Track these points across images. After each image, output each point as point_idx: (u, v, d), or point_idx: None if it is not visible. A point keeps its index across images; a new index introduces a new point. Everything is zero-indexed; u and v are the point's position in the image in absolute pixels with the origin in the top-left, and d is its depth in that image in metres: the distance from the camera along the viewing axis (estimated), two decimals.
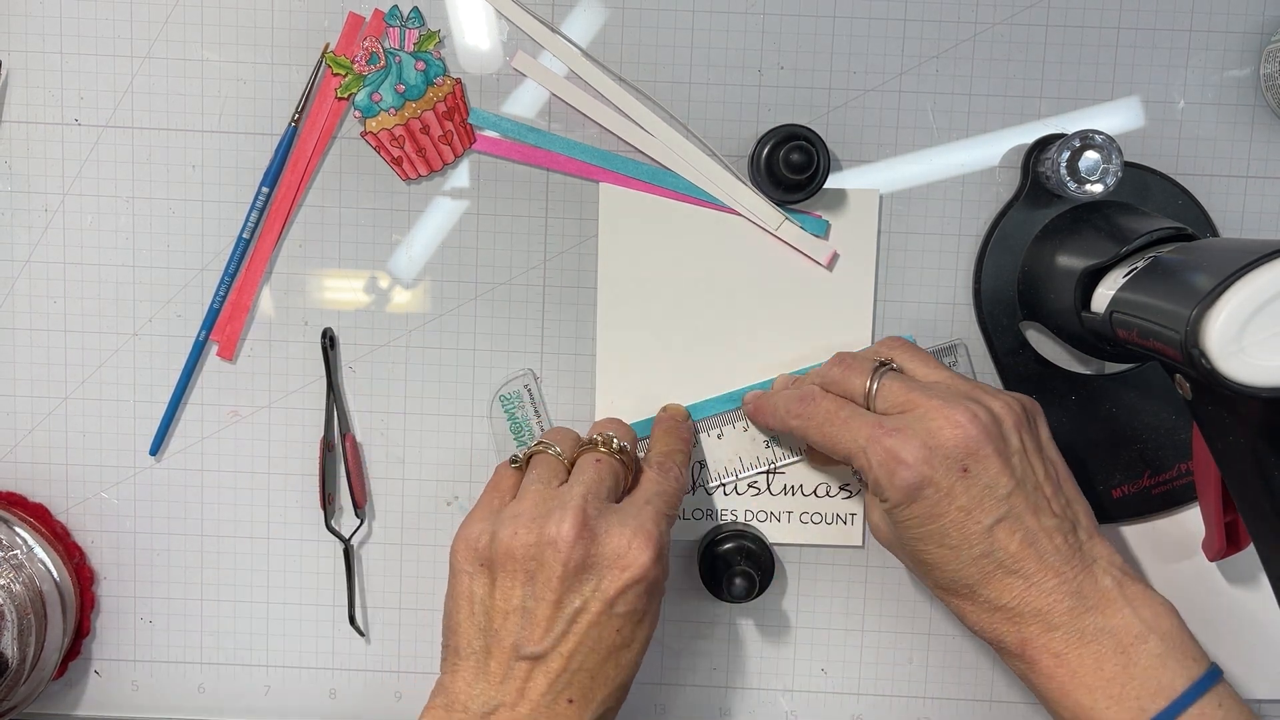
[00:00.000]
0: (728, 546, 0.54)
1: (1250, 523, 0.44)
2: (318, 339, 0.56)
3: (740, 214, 0.54)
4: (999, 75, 0.54)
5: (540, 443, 0.50)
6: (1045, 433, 0.48)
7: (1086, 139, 0.50)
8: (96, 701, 0.59)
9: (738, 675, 0.58)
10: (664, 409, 0.56)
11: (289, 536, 0.57)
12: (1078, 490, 0.48)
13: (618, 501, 0.48)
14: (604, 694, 0.45)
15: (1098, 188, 0.50)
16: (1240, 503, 0.44)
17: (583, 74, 0.54)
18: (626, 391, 0.56)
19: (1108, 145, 0.50)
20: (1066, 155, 0.50)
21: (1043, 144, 0.53)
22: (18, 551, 0.54)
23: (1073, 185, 0.50)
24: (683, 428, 0.54)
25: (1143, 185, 0.53)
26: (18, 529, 0.54)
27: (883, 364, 0.49)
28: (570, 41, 0.54)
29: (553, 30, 0.54)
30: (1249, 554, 0.49)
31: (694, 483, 0.57)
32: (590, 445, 0.49)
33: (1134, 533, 0.57)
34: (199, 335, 0.56)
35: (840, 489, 0.57)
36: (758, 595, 0.53)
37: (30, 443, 0.57)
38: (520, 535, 0.45)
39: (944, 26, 0.54)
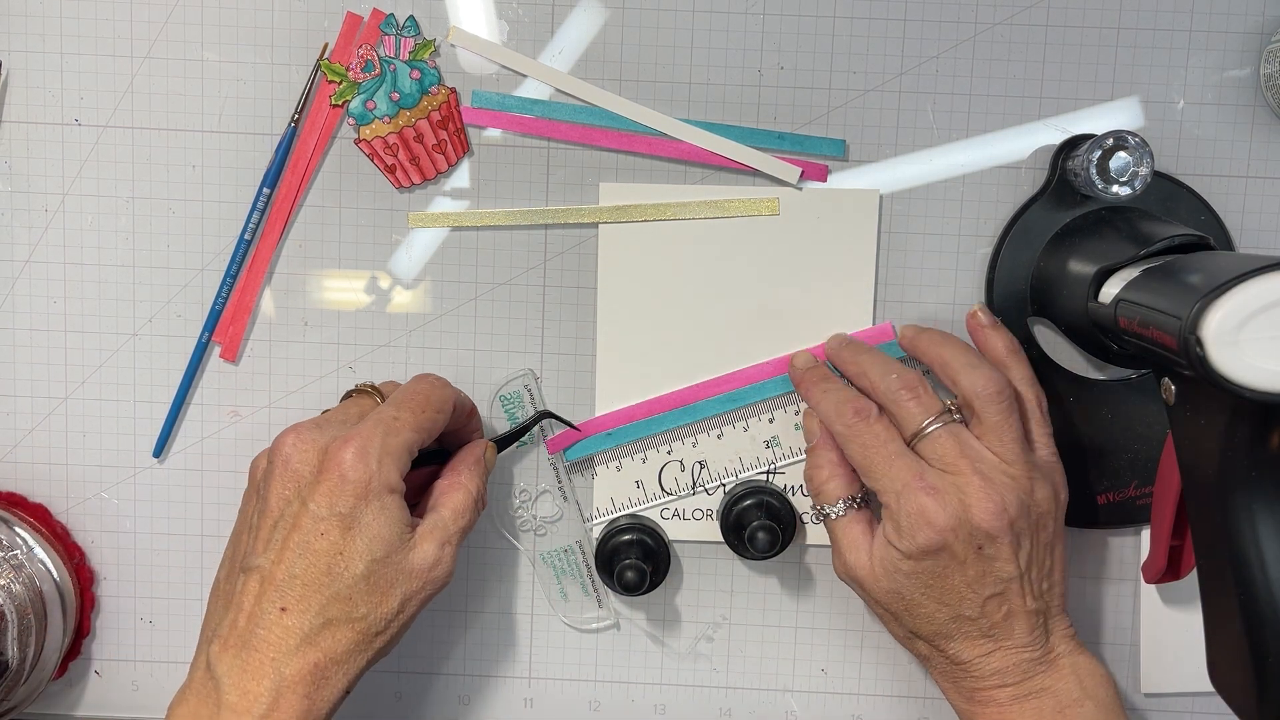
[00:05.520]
0: (747, 503, 0.54)
1: (1199, 541, 0.44)
2: (318, 339, 0.56)
3: (748, 168, 0.54)
4: (999, 75, 0.54)
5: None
6: (1061, 522, 0.50)
7: (1119, 139, 0.50)
8: (96, 701, 0.59)
9: (738, 675, 0.58)
10: None
11: None
12: (1065, 573, 0.51)
13: None
14: (320, 603, 0.44)
15: (1125, 190, 0.50)
16: (1194, 520, 0.44)
17: (575, 91, 0.54)
18: (626, 392, 0.56)
19: (1140, 148, 0.50)
20: (1098, 154, 0.50)
21: (1074, 142, 0.53)
22: (18, 551, 0.54)
23: (1101, 185, 0.50)
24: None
25: (1170, 196, 0.53)
26: (18, 529, 0.54)
27: (949, 411, 0.49)
28: (559, 72, 0.54)
29: (542, 64, 0.54)
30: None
31: (694, 483, 0.57)
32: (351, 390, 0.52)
33: (1110, 543, 0.57)
34: (201, 336, 0.56)
35: None
36: (782, 550, 0.53)
37: (30, 443, 0.57)
38: (260, 463, 0.49)
39: (944, 26, 0.54)
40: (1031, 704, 0.49)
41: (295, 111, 0.54)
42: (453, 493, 0.49)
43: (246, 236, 0.55)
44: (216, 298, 0.55)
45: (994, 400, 0.48)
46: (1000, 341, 0.52)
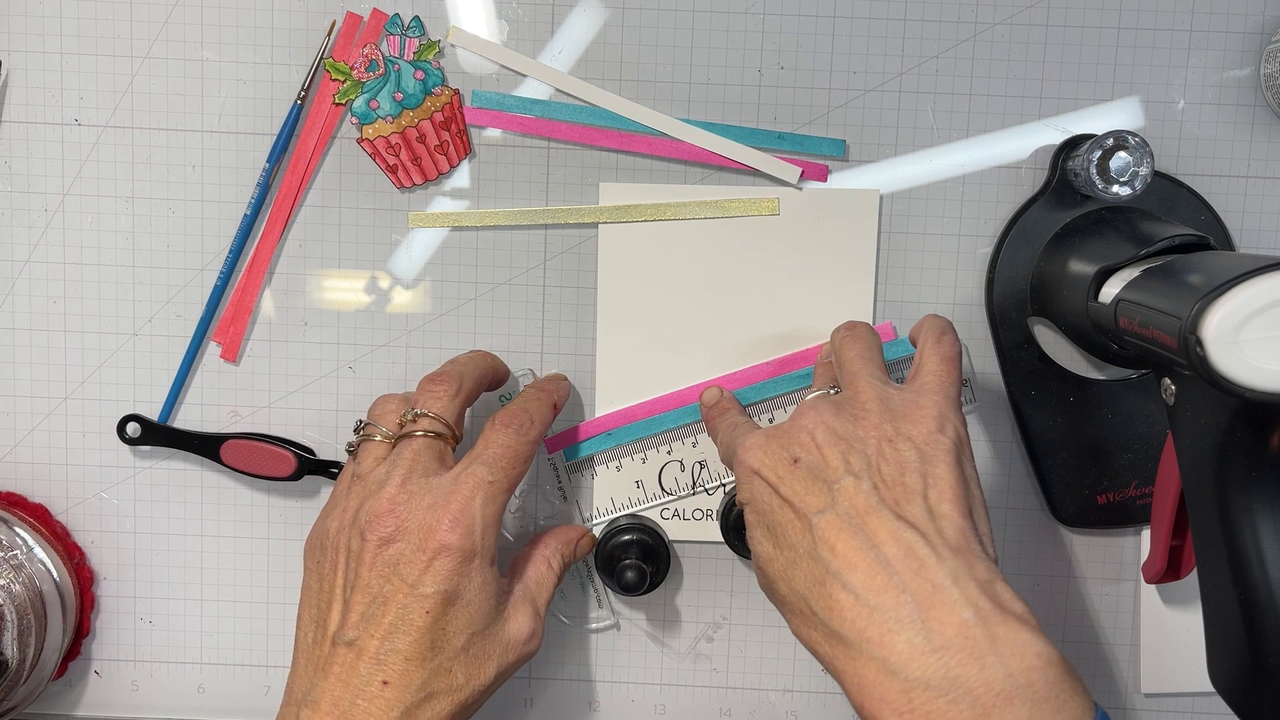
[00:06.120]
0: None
1: (1199, 542, 0.44)
2: (318, 339, 0.56)
3: (749, 168, 0.54)
4: (999, 75, 0.54)
5: (367, 424, 0.50)
6: (943, 453, 0.42)
7: (1120, 140, 0.50)
8: (96, 701, 0.59)
9: (738, 675, 0.58)
10: (549, 375, 0.56)
11: (289, 537, 0.57)
12: (964, 513, 0.41)
13: (448, 470, 0.48)
14: (423, 677, 0.44)
15: (1125, 190, 0.50)
16: (1194, 520, 0.44)
17: (575, 91, 0.54)
18: (626, 392, 0.56)
19: (1140, 148, 0.50)
20: (1098, 155, 0.50)
21: (1074, 142, 0.53)
22: (18, 551, 0.54)
23: (1101, 185, 0.50)
24: (551, 389, 0.53)
25: (1170, 196, 0.53)
26: (18, 529, 0.54)
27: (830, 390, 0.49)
28: (559, 72, 0.54)
29: (542, 63, 0.54)
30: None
31: (694, 483, 0.57)
32: (410, 421, 0.48)
33: (1113, 544, 0.57)
34: (200, 336, 0.56)
35: None
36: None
37: (30, 443, 0.57)
38: (342, 527, 0.46)
39: (944, 26, 0.54)
40: (942, 711, 0.36)
41: (301, 89, 0.53)
42: (538, 565, 0.51)
43: (248, 212, 0.54)
44: (211, 295, 0.55)
45: (835, 341, 0.50)
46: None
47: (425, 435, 0.48)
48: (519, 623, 0.48)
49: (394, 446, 0.48)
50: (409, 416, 0.48)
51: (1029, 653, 0.37)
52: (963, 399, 0.56)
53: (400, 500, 0.46)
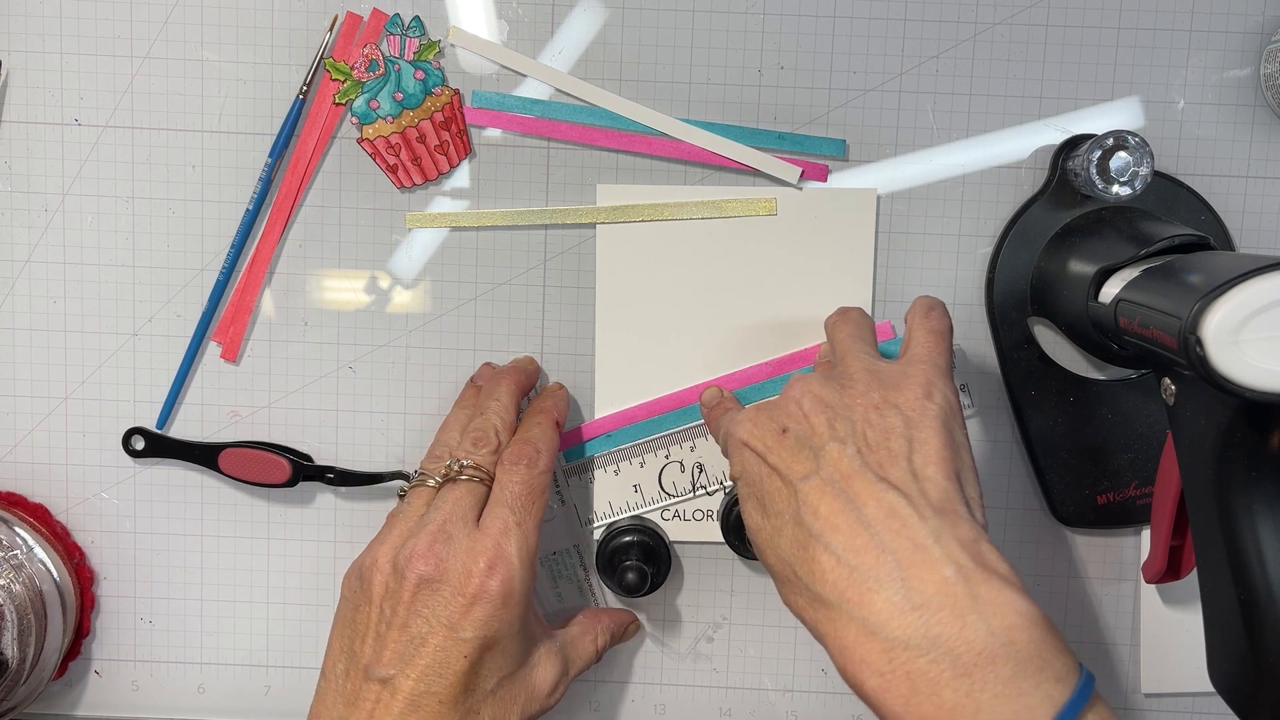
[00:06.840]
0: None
1: (1199, 541, 0.44)
2: (318, 339, 0.56)
3: (749, 168, 0.54)
4: (999, 75, 0.54)
5: (421, 473, 0.50)
6: (930, 418, 0.42)
7: (1120, 140, 0.50)
8: (96, 701, 0.59)
9: (738, 675, 0.58)
10: (546, 389, 0.55)
11: (289, 537, 0.57)
12: (949, 475, 0.40)
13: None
14: (456, 718, 0.45)
15: (1125, 190, 0.50)
16: (1194, 520, 0.44)
17: (575, 91, 0.54)
18: (626, 393, 0.56)
19: (1140, 148, 0.50)
20: (1098, 154, 0.50)
21: (1074, 142, 0.53)
22: (18, 551, 0.54)
23: (1101, 185, 0.50)
24: (549, 408, 0.53)
25: (1170, 196, 0.53)
26: (18, 529, 0.54)
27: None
28: (558, 72, 0.54)
29: (542, 63, 0.54)
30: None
31: (693, 485, 0.57)
32: (455, 471, 0.49)
33: (1114, 544, 0.57)
34: (199, 336, 0.56)
35: None
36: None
37: (30, 443, 0.57)
38: (379, 562, 0.47)
39: (944, 26, 0.54)
40: (923, 670, 0.36)
41: (303, 86, 0.53)
42: (585, 639, 0.52)
43: (250, 207, 0.54)
44: (212, 295, 0.55)
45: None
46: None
47: (469, 480, 0.48)
48: (546, 671, 0.48)
49: (439, 491, 0.49)
50: (454, 467, 0.49)
51: (1010, 611, 0.36)
52: (961, 404, 0.56)
53: (440, 541, 0.46)
